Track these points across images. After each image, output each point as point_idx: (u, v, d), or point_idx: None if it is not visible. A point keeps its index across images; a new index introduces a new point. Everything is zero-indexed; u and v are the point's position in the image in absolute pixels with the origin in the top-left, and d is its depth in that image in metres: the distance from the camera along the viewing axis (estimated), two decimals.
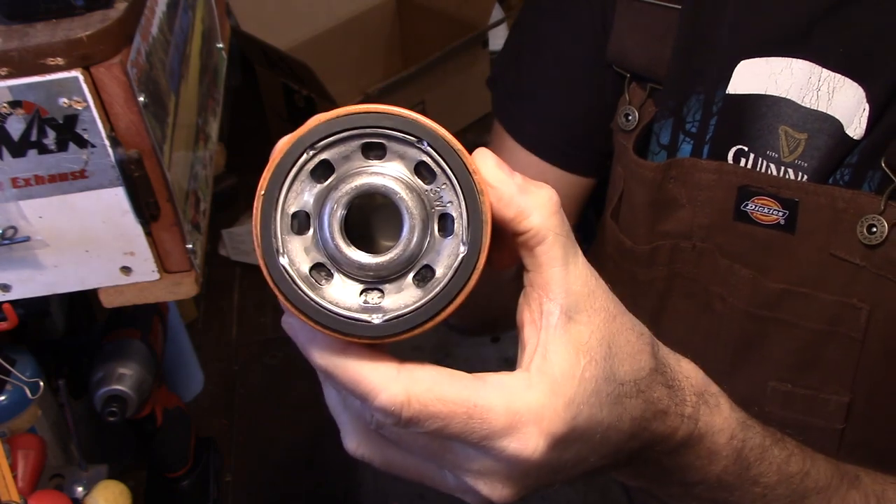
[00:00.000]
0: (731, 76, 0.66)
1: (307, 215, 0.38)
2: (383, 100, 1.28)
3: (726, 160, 0.67)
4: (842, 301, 0.63)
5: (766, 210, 0.65)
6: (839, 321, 0.64)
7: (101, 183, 0.59)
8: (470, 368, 1.13)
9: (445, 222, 0.38)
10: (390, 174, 0.38)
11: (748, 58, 0.65)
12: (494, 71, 0.83)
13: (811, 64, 0.63)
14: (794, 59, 0.63)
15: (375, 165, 0.38)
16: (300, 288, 0.38)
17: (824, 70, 0.62)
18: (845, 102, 0.62)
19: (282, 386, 1.11)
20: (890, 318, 0.62)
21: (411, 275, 0.39)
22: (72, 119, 0.56)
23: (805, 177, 0.64)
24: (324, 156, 0.38)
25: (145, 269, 0.64)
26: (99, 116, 0.56)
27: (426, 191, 0.38)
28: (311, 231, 0.38)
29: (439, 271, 0.39)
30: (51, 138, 0.56)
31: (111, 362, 0.83)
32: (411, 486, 0.97)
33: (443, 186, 0.38)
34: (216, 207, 0.78)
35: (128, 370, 0.82)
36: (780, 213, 0.65)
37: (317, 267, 0.39)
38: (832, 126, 0.63)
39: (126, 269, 0.64)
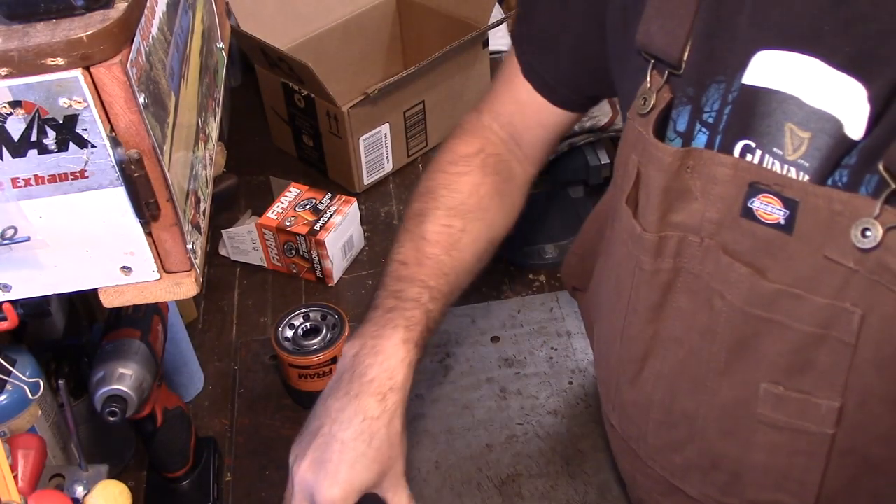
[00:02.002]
0: (748, 65, 0.66)
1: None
2: (383, 99, 1.28)
3: (733, 153, 0.67)
4: (834, 304, 0.63)
5: (769, 208, 0.65)
6: (832, 325, 0.64)
7: (101, 183, 0.59)
8: (470, 368, 1.14)
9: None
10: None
11: (765, 49, 0.65)
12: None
13: (819, 61, 0.62)
14: (805, 55, 0.63)
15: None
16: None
17: (830, 68, 0.62)
18: (847, 102, 0.61)
19: (282, 386, 1.11)
20: (883, 323, 0.62)
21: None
22: (72, 119, 0.56)
23: (806, 177, 0.64)
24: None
25: (145, 269, 0.64)
26: (99, 116, 0.56)
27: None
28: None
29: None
30: (51, 138, 0.56)
31: (111, 362, 0.83)
32: (410, 486, 0.97)
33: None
34: (216, 207, 0.78)
35: (128, 370, 0.82)
36: (782, 213, 0.64)
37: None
38: (833, 126, 0.62)
39: (126, 269, 0.64)
